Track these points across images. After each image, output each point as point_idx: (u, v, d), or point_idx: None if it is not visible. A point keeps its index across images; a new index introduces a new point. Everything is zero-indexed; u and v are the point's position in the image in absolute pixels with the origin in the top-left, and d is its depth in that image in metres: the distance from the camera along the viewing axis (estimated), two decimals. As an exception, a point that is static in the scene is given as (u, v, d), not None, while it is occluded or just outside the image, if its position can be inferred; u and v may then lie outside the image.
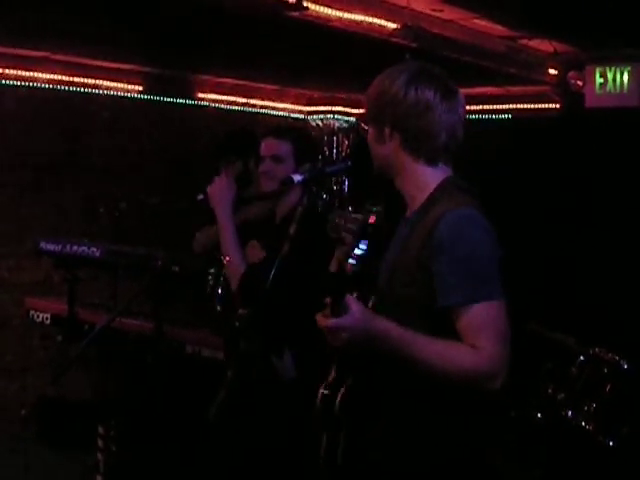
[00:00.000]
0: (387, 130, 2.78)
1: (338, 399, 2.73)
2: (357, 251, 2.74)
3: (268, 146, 4.22)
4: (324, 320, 2.59)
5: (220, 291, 4.48)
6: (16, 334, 6.95)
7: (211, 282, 4.61)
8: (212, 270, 4.52)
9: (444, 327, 2.65)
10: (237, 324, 3.54)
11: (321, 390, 2.78)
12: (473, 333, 2.60)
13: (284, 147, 4.16)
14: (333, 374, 2.79)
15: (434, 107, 2.75)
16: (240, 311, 3.58)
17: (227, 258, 4.03)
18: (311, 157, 4.22)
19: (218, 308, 4.52)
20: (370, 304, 2.79)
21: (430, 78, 2.79)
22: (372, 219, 2.81)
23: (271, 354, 3.82)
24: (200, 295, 4.98)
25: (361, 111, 9.14)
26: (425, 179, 2.80)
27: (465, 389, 2.61)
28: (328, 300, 2.59)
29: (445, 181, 2.79)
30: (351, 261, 2.72)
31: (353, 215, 2.73)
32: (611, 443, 4.81)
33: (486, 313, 2.61)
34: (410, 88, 2.75)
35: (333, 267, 2.63)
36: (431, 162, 2.79)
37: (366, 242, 2.76)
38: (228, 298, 4.17)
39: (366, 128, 2.90)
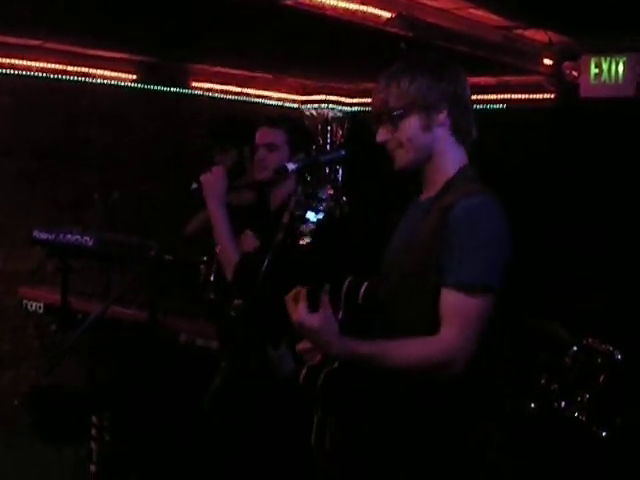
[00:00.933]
0: (442, 116, 2.86)
1: (321, 379, 2.74)
2: None
3: (262, 135, 4.23)
4: (293, 308, 2.66)
5: (213, 279, 4.48)
6: (10, 324, 6.94)
7: (203, 270, 4.60)
8: (204, 258, 4.51)
9: None
10: (232, 314, 3.54)
11: (305, 368, 2.81)
12: (446, 318, 2.67)
13: (278, 136, 4.18)
14: (321, 355, 2.78)
15: (467, 88, 2.94)
16: (235, 301, 3.58)
17: (218, 247, 4.03)
18: (305, 146, 4.23)
19: (211, 296, 4.52)
20: (363, 288, 2.80)
21: (451, 64, 2.94)
22: None
23: (267, 345, 3.82)
24: (193, 284, 4.98)
25: (358, 101, 9.14)
26: (451, 160, 2.90)
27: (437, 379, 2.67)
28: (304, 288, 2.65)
29: (463, 168, 2.88)
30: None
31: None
32: (604, 433, 4.82)
33: (469, 304, 2.66)
34: (450, 76, 2.88)
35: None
36: (463, 141, 2.93)
37: None
38: (221, 286, 4.18)
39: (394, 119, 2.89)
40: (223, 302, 4.04)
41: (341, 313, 2.83)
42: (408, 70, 2.88)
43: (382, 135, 2.92)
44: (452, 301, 2.67)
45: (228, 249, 4.09)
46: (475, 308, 2.67)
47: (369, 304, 2.82)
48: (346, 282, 2.81)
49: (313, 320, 2.61)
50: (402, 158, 2.91)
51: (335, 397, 2.78)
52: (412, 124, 2.86)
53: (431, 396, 2.72)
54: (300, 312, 2.64)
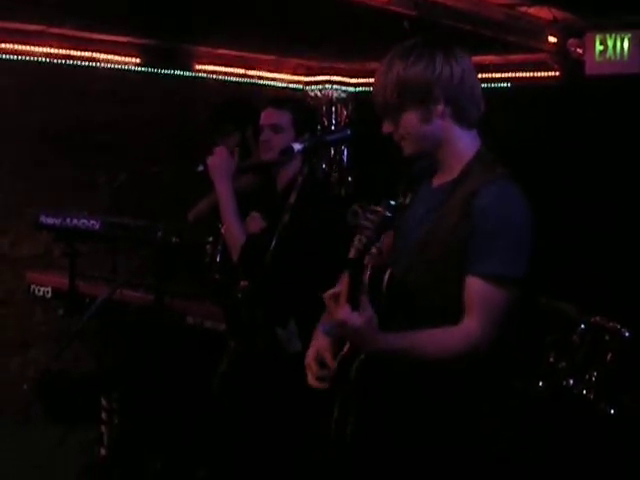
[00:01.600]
0: (440, 107, 2.84)
1: (355, 366, 2.76)
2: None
3: (267, 116, 4.24)
4: (335, 308, 2.67)
5: (219, 260, 4.47)
6: (17, 309, 6.96)
7: (209, 251, 4.61)
8: (210, 239, 4.51)
9: None
10: (239, 296, 3.54)
11: (338, 357, 2.82)
12: (471, 307, 2.69)
13: (284, 117, 4.20)
14: (348, 345, 2.80)
15: (470, 71, 2.88)
16: (242, 283, 3.59)
17: (224, 227, 4.03)
18: (310, 127, 4.23)
19: (217, 277, 4.52)
20: (387, 276, 2.79)
21: (450, 47, 2.89)
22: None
23: (275, 325, 3.83)
24: (200, 265, 4.98)
25: (362, 81, 9.12)
26: (464, 146, 2.89)
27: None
28: (343, 286, 2.66)
29: (480, 151, 2.88)
30: (373, 251, 2.71)
31: (373, 207, 2.67)
32: (612, 411, 4.82)
33: (496, 295, 2.68)
34: (447, 63, 2.83)
35: (351, 254, 2.63)
36: (471, 127, 2.91)
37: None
38: (227, 267, 4.18)
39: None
40: (229, 283, 4.04)
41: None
42: (400, 62, 2.86)
43: (386, 128, 2.94)
44: (478, 291, 2.69)
45: (234, 230, 4.09)
46: (502, 299, 2.69)
47: (393, 291, 2.80)
48: (368, 269, 2.80)
49: (356, 320, 2.60)
50: (407, 149, 2.93)
51: (364, 388, 2.79)
52: (410, 118, 2.87)
53: (450, 381, 2.76)
54: (343, 312, 2.63)
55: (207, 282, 4.64)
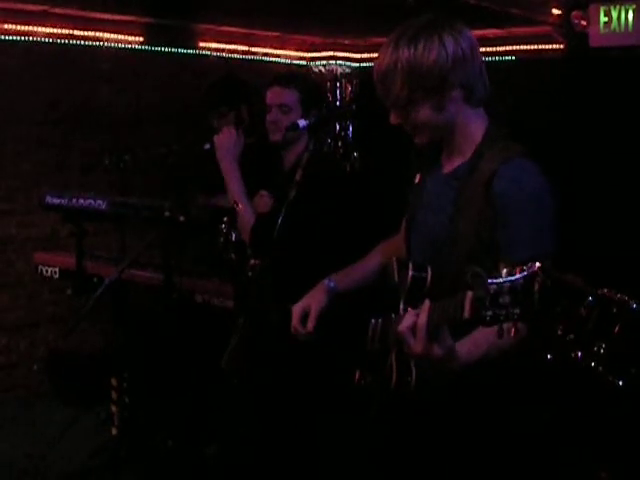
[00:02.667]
0: (454, 93, 2.74)
1: (412, 383, 2.72)
2: None
3: (274, 95, 4.21)
4: (412, 341, 2.56)
5: (234, 239, 4.47)
6: (25, 290, 6.97)
7: (224, 230, 4.61)
8: (225, 218, 4.51)
9: None
10: (250, 274, 3.55)
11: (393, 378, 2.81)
12: None
13: (290, 95, 4.17)
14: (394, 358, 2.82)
15: (476, 46, 2.79)
16: (252, 261, 3.59)
17: (240, 205, 4.02)
18: (318, 104, 4.19)
19: (232, 256, 4.52)
20: (429, 277, 2.77)
21: (453, 24, 2.79)
22: None
23: (286, 304, 3.84)
24: (212, 244, 4.98)
25: (366, 56, 9.09)
26: (475, 127, 2.82)
27: None
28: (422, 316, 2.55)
29: (489, 128, 2.81)
30: None
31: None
32: (621, 383, 4.82)
33: None
34: (457, 45, 2.72)
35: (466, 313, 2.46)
36: (479, 105, 2.82)
37: None
38: (242, 246, 4.18)
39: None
40: (244, 261, 4.04)
41: (402, 304, 2.82)
42: (408, 51, 2.73)
43: (394, 119, 2.85)
44: None
45: (244, 211, 4.09)
46: None
47: (435, 291, 2.76)
48: (409, 273, 2.77)
49: (438, 352, 2.54)
50: (420, 138, 2.87)
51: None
52: (423, 110, 2.77)
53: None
54: (421, 345, 2.55)
55: (222, 261, 4.64)
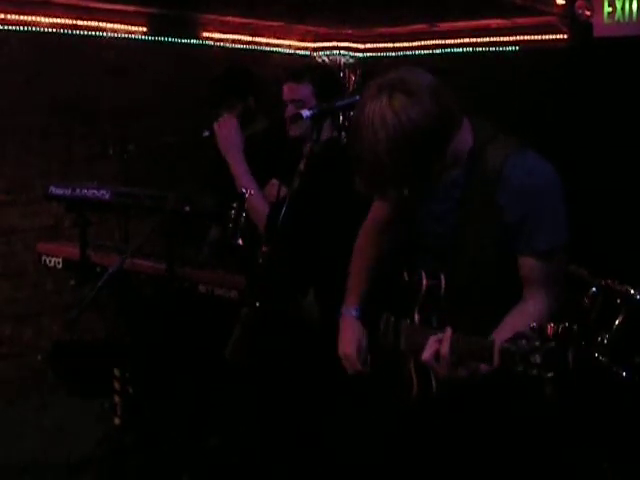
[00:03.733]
0: (449, 135, 2.64)
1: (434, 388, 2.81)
2: None
3: (288, 91, 4.26)
4: (439, 368, 2.64)
5: (243, 225, 4.46)
6: (29, 280, 6.98)
7: (233, 217, 4.60)
8: (234, 204, 4.49)
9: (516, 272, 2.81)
10: (260, 261, 3.55)
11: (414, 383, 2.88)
12: (532, 284, 2.78)
13: (304, 90, 4.22)
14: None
15: (440, 85, 2.65)
16: (263, 248, 3.60)
17: (251, 192, 4.01)
18: (334, 94, 4.18)
19: (240, 242, 4.51)
20: (443, 282, 2.81)
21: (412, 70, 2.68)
22: None
23: (295, 292, 3.84)
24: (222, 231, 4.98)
25: (370, 46, 9.07)
26: (463, 137, 2.79)
27: None
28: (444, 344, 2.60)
29: (477, 133, 2.80)
30: None
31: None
32: (625, 374, 4.82)
33: (551, 267, 2.78)
34: (431, 90, 2.59)
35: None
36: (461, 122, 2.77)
37: None
38: (250, 232, 4.19)
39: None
40: (253, 249, 4.05)
41: (417, 314, 2.82)
42: (388, 131, 2.52)
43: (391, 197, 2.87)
44: (534, 268, 2.75)
45: (255, 202, 4.09)
46: (556, 269, 2.80)
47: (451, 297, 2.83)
48: (423, 282, 2.79)
49: (462, 373, 2.61)
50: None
51: None
52: (427, 172, 2.65)
53: None
54: (446, 370, 2.62)
55: (230, 248, 4.64)
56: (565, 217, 2.79)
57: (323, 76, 4.44)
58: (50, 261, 5.25)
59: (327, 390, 3.37)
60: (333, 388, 3.12)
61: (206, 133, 4.80)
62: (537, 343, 2.26)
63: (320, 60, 9.05)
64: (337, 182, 3.91)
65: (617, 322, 4.89)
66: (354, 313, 3.27)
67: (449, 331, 2.62)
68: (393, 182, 2.65)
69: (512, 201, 2.71)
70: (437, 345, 2.62)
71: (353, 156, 2.63)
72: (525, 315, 2.76)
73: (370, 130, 2.52)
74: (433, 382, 2.79)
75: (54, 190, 5.01)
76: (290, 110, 4.24)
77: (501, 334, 2.60)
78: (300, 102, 4.19)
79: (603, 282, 4.98)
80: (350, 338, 3.19)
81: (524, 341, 2.27)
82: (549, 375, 2.25)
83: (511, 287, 2.83)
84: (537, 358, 2.25)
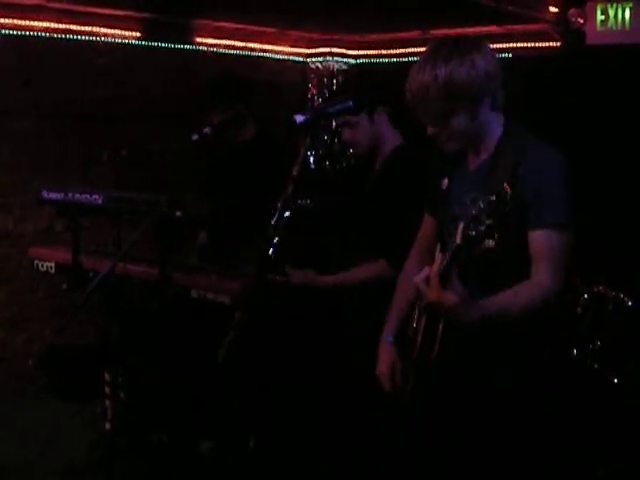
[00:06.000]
0: (485, 101, 3.07)
1: (436, 347, 2.98)
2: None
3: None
4: (427, 290, 2.81)
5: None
6: (21, 284, 6.97)
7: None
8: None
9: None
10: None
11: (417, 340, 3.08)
12: (539, 259, 2.94)
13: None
14: (423, 323, 3.05)
15: (498, 63, 3.15)
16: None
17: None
18: (377, 100, 4.40)
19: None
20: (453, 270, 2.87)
21: (479, 43, 3.13)
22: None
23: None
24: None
25: (363, 52, 9.09)
26: (496, 126, 3.15)
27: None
28: (434, 268, 2.79)
29: (507, 127, 3.15)
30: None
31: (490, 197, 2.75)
32: (616, 380, 4.83)
33: (560, 243, 2.95)
34: (485, 62, 3.06)
35: (458, 240, 2.73)
36: (499, 109, 3.17)
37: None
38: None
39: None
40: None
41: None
42: (443, 68, 2.99)
43: (431, 131, 3.13)
44: (543, 242, 2.94)
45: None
46: (564, 245, 2.96)
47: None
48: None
49: (452, 298, 2.76)
50: (455, 146, 3.16)
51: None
52: (460, 121, 3.06)
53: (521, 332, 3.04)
54: (436, 293, 2.78)
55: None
56: (571, 201, 3.01)
57: (361, 89, 4.61)
58: (43, 266, 5.25)
59: (319, 391, 3.43)
60: (326, 389, 3.18)
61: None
62: (484, 207, 2.66)
63: (314, 66, 9.06)
64: (407, 186, 4.01)
65: (609, 328, 4.91)
66: (390, 340, 3.47)
67: (439, 256, 2.84)
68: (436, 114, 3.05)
69: (529, 178, 2.93)
70: (428, 271, 2.83)
71: (409, 90, 3.07)
72: (526, 285, 2.95)
73: (428, 74, 3.00)
74: (436, 345, 2.94)
75: (47, 194, 5.01)
76: (345, 134, 4.43)
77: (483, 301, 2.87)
78: (349, 123, 4.39)
79: (595, 289, 5.00)
80: (385, 360, 3.42)
81: (474, 211, 2.67)
82: (488, 222, 2.61)
83: (526, 268, 2.97)
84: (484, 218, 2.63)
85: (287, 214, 3.13)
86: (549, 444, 3.25)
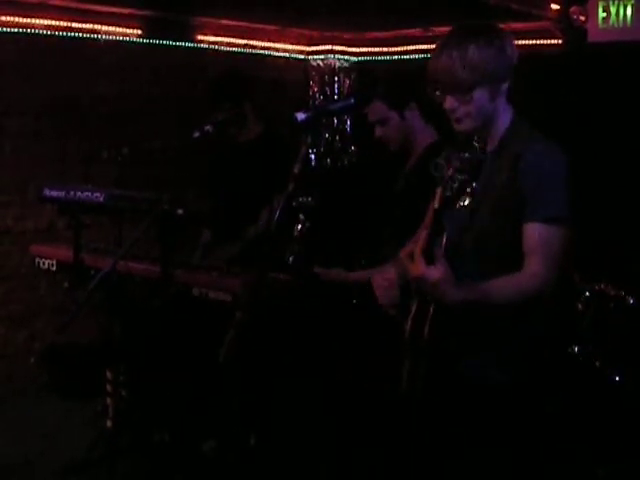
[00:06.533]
0: (505, 85, 3.17)
1: (426, 329, 2.95)
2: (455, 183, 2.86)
3: (370, 113, 4.53)
4: (411, 265, 2.85)
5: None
6: (22, 282, 6.97)
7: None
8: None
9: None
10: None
11: (408, 322, 3.03)
12: (532, 251, 2.96)
13: (378, 107, 4.46)
14: (415, 306, 3.00)
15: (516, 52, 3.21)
16: None
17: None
18: (409, 97, 4.48)
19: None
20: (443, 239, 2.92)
21: (502, 30, 3.22)
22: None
23: None
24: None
25: (365, 50, 9.08)
26: (505, 118, 3.21)
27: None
28: (419, 242, 2.85)
29: (514, 120, 3.20)
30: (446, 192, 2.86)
31: (461, 154, 2.86)
32: (617, 378, 4.83)
33: (553, 236, 2.97)
34: (509, 46, 3.16)
35: (436, 204, 2.83)
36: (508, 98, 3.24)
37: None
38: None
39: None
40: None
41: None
42: (472, 41, 3.08)
43: (450, 103, 3.15)
44: (538, 235, 2.96)
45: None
46: (559, 239, 2.98)
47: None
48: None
49: (434, 274, 2.78)
50: (469, 125, 3.16)
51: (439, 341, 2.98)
52: (482, 96, 3.11)
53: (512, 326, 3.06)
54: (420, 267, 2.81)
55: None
56: (568, 197, 3.02)
57: (390, 87, 4.69)
58: (44, 263, 5.25)
59: (320, 390, 3.42)
60: (327, 388, 3.18)
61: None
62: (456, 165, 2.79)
63: (315, 64, 9.06)
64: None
65: (610, 326, 4.91)
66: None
67: (424, 232, 2.88)
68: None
69: (528, 172, 2.97)
70: (413, 246, 2.91)
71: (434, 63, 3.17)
72: (517, 274, 2.96)
73: (457, 50, 3.09)
74: (426, 329, 2.93)
75: (48, 192, 5.00)
76: (377, 131, 4.50)
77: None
78: (380, 120, 4.47)
79: (597, 287, 4.99)
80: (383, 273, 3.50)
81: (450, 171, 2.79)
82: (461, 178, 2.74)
83: (510, 258, 3.00)
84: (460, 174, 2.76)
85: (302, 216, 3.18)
86: (548, 442, 3.25)
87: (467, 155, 2.79)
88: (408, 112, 4.43)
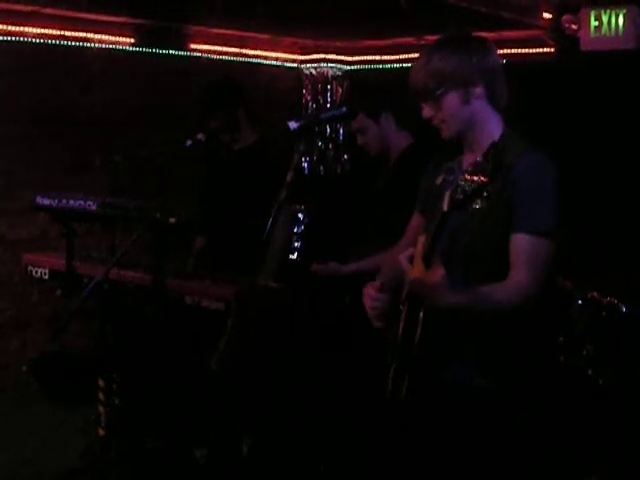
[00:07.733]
0: (478, 89, 3.18)
1: (418, 335, 2.98)
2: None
3: (353, 122, 4.81)
4: (409, 268, 2.94)
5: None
6: (15, 291, 6.96)
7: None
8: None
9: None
10: None
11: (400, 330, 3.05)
12: (518, 262, 3.00)
13: (359, 117, 4.69)
14: (405, 311, 3.04)
15: (499, 60, 3.27)
16: None
17: None
18: (386, 105, 4.78)
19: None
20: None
21: (480, 39, 3.30)
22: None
23: None
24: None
25: (357, 59, 9.10)
26: (493, 127, 3.24)
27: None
28: (418, 246, 2.93)
29: (505, 131, 3.24)
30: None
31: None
32: (610, 386, 4.83)
33: (540, 248, 3.01)
34: (483, 48, 3.21)
35: (445, 206, 2.87)
36: (500, 110, 3.28)
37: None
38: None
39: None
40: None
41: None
42: (437, 49, 3.18)
43: (427, 112, 3.23)
44: (524, 246, 3.00)
45: None
46: (545, 252, 3.01)
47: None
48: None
49: (434, 277, 2.85)
50: (447, 131, 3.23)
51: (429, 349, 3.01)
52: (452, 101, 3.17)
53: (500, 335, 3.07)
54: (418, 270, 2.89)
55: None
56: (556, 210, 3.05)
57: (367, 97, 4.92)
58: (36, 272, 5.25)
59: (316, 398, 3.42)
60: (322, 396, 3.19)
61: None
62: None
63: (308, 72, 9.06)
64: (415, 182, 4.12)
65: (603, 334, 4.91)
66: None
67: (423, 238, 2.94)
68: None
69: (518, 183, 3.01)
70: (413, 250, 2.98)
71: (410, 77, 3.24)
72: (503, 283, 3.00)
73: (424, 60, 3.19)
74: (418, 330, 2.96)
75: (41, 200, 5.00)
76: (360, 139, 4.81)
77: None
78: (359, 129, 4.79)
79: (589, 295, 4.99)
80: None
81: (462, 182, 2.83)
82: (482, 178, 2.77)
83: (499, 267, 3.03)
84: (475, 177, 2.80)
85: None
86: (526, 449, 3.26)
87: (479, 159, 2.83)
88: (383, 120, 4.72)
